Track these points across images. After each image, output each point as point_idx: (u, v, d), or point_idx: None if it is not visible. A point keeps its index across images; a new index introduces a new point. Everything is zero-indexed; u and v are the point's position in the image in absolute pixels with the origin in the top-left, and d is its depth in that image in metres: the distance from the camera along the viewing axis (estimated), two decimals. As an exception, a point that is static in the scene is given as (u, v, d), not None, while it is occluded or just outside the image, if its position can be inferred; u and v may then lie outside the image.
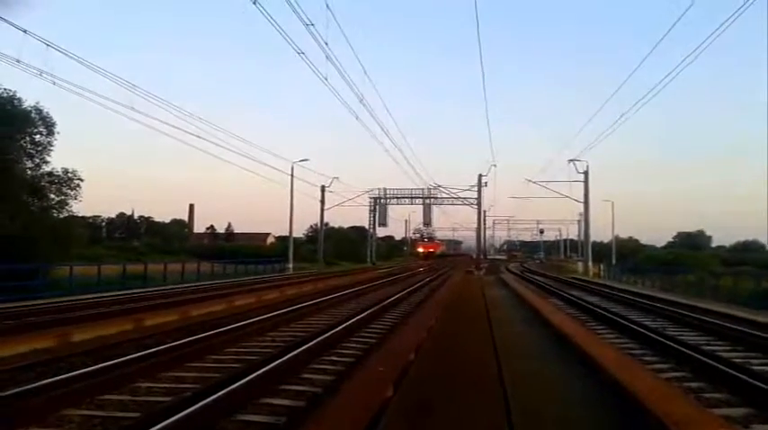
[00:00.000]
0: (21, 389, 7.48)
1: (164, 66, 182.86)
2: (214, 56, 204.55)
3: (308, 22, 19.89)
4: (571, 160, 52.90)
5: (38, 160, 31.73)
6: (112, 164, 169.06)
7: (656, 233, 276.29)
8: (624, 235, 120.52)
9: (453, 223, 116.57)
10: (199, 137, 33.04)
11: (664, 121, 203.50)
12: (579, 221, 79.93)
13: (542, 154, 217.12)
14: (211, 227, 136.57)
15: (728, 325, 15.24)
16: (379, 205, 74.85)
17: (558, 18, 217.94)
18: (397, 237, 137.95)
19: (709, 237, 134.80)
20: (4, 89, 30.31)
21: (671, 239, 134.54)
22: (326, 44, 22.03)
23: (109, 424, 6.66)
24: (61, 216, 32.58)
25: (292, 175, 53.55)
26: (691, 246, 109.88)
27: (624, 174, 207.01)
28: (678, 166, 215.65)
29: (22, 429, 6.39)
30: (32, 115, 31.13)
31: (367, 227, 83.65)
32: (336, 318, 16.25)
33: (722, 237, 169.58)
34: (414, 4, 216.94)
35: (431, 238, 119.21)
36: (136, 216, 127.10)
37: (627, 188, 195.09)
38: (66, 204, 32.35)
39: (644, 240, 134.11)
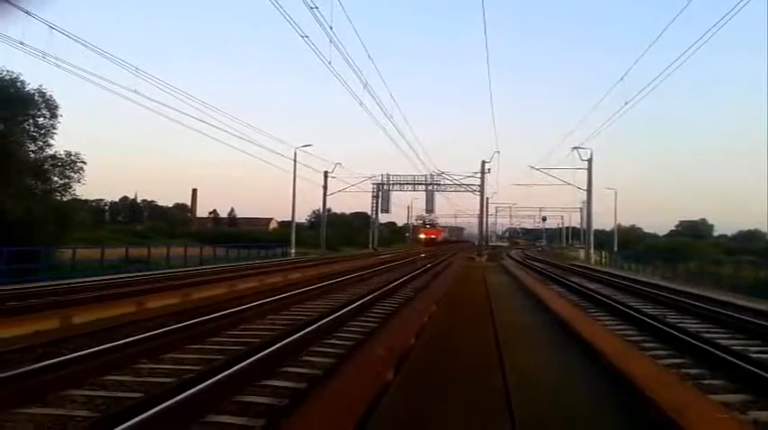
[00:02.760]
0: (23, 369, 7.53)
1: (164, 50, 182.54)
2: (216, 39, 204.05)
3: (312, 6, 19.81)
4: (575, 148, 52.75)
5: (41, 143, 31.58)
6: (116, 147, 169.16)
7: (659, 221, 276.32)
8: (626, 223, 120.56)
9: (456, 210, 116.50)
10: (202, 121, 33.00)
11: (667, 110, 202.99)
12: (582, 209, 79.92)
13: (546, 141, 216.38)
14: (214, 211, 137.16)
15: (729, 313, 15.29)
16: (381, 191, 74.79)
17: (564, 4, 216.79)
18: (400, 224, 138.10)
19: (711, 226, 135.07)
20: (7, 71, 30.26)
21: (673, 228, 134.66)
22: (331, 28, 21.94)
23: (111, 404, 6.71)
24: (64, 199, 32.48)
25: (295, 160, 53.57)
26: (693, 234, 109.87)
27: (627, 162, 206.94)
28: (681, 155, 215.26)
29: (25, 409, 6.44)
30: (35, 98, 31.06)
31: (369, 213, 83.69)
32: (337, 303, 16.30)
33: (724, 225, 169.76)
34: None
35: (433, 225, 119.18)
36: (139, 200, 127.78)
37: (630, 176, 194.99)
38: (70, 187, 32.22)
39: (646, 228, 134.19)
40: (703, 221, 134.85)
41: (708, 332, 12.96)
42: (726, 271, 31.94)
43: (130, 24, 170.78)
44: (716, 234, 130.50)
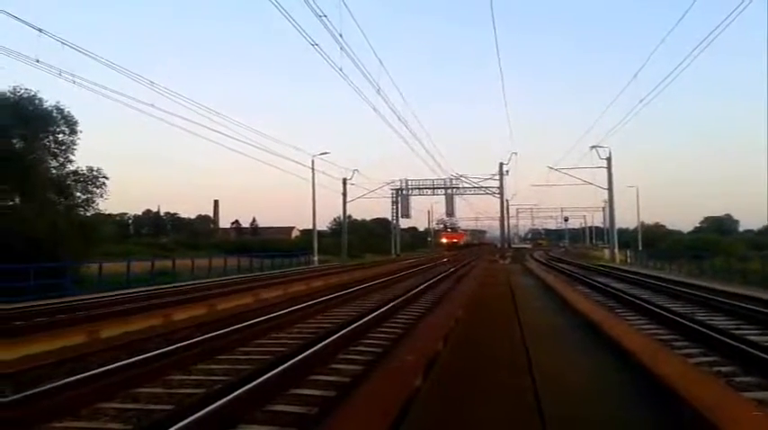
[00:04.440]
0: (54, 384, 7.60)
1: (177, 62, 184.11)
2: (227, 50, 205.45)
3: (321, 14, 19.84)
4: (593, 146, 52.51)
5: (62, 159, 31.98)
6: (137, 161, 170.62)
7: (683, 218, 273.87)
8: (650, 221, 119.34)
9: (476, 212, 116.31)
10: (219, 132, 33.18)
11: (688, 106, 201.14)
12: (604, 208, 79.57)
13: (564, 141, 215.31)
14: (236, 222, 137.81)
15: (758, 309, 15.07)
16: (401, 197, 74.80)
17: (576, 2, 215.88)
18: (421, 229, 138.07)
19: (737, 222, 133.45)
20: (25, 89, 30.65)
21: (698, 224, 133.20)
22: (341, 35, 21.97)
23: (143, 416, 6.75)
24: (88, 214, 32.89)
25: (313, 169, 53.68)
26: (718, 230, 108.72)
27: (649, 159, 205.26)
28: (703, 151, 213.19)
29: (58, 423, 6.50)
30: (54, 114, 31.44)
31: (390, 219, 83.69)
32: (362, 310, 16.31)
33: (750, 220, 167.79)
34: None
35: (454, 229, 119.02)
36: (162, 212, 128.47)
37: (652, 173, 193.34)
38: (93, 202, 32.62)
39: (670, 226, 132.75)
40: (728, 217, 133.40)
41: (738, 328, 12.81)
42: (753, 266, 31.54)
43: (146, 38, 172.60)
44: (741, 229, 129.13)
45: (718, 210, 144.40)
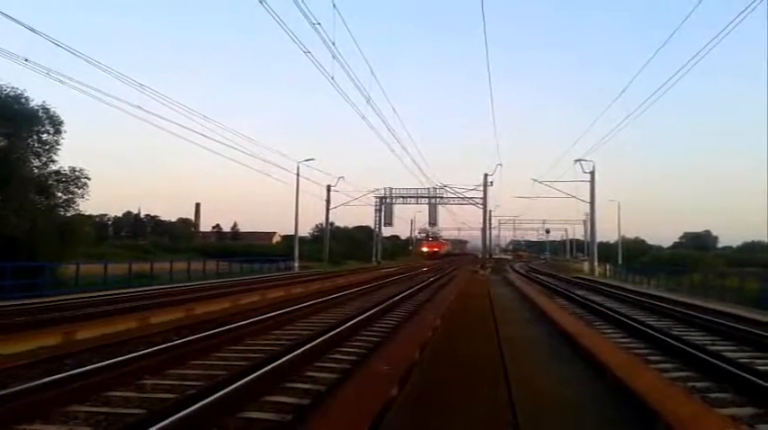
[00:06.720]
0: (26, 385, 7.50)
1: (168, 66, 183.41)
2: (220, 55, 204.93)
3: (315, 22, 19.84)
4: (577, 160, 52.75)
5: (45, 159, 31.58)
6: (120, 162, 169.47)
7: (663, 233, 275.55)
8: (630, 235, 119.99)
9: (459, 223, 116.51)
10: (205, 136, 33.01)
11: (670, 122, 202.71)
12: (585, 221, 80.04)
13: (549, 154, 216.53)
14: (217, 226, 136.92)
15: (734, 325, 15.19)
16: (384, 205, 74.85)
17: (565, 18, 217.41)
18: (403, 237, 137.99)
19: (716, 238, 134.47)
20: (11, 88, 30.35)
21: (677, 240, 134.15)
22: (333, 44, 21.97)
23: (114, 420, 6.67)
24: (68, 214, 32.52)
25: (298, 175, 53.55)
26: (697, 246, 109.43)
27: (631, 174, 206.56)
28: (684, 167, 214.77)
29: (27, 426, 6.40)
30: (39, 114, 31.11)
31: (373, 226, 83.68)
32: (340, 318, 16.21)
33: (729, 237, 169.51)
34: (421, 5, 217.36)
35: (436, 238, 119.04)
36: (142, 215, 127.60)
37: (634, 188, 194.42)
38: (74, 203, 32.26)
39: (650, 240, 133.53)
40: (707, 233, 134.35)
41: (713, 344, 12.89)
42: (731, 283, 31.79)
43: (134, 40, 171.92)
44: (720, 245, 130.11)
45: (697, 226, 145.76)
